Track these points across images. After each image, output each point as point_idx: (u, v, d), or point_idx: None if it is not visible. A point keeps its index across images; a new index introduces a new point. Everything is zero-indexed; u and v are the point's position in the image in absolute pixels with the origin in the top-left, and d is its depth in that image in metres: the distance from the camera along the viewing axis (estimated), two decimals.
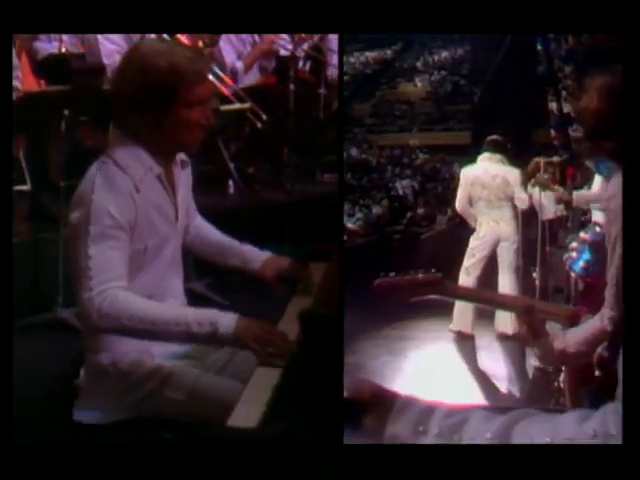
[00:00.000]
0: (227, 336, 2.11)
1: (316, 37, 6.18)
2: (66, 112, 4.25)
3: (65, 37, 5.21)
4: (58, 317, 4.17)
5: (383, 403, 1.22)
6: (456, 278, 5.73)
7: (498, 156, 5.82)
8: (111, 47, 4.94)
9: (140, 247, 2.27)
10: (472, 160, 6.06)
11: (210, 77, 2.37)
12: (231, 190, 5.52)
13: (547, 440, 1.07)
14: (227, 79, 5.37)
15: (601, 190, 5.02)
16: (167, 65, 2.18)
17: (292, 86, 5.47)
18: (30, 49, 5.23)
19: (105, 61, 4.89)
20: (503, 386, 4.91)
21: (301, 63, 6.21)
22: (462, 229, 6.44)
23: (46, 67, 5.05)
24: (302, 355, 1.95)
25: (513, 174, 5.74)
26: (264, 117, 5.20)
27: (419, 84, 16.38)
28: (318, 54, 6.21)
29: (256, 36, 5.88)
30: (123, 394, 2.32)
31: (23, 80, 4.68)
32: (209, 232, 2.70)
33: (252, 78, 5.92)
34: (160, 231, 2.34)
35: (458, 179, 6.16)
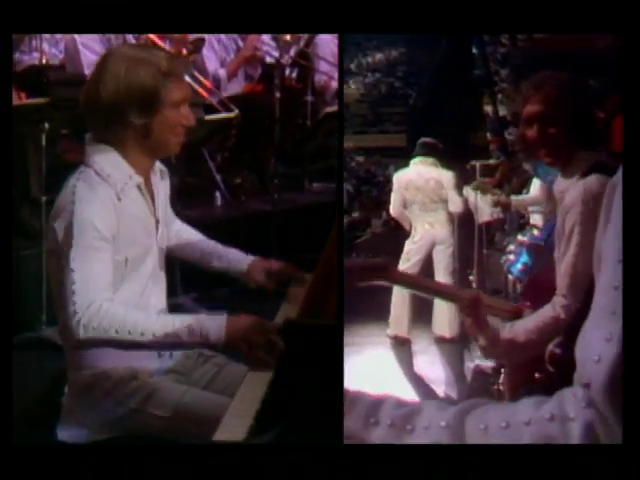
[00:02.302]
0: (218, 343, 2.07)
1: (302, 43, 6.12)
2: (46, 125, 4.16)
3: (46, 47, 5.13)
4: (42, 336, 4.07)
5: None
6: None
7: (431, 159, 5.85)
8: (92, 57, 4.85)
9: (121, 258, 2.21)
10: (408, 163, 6.09)
11: (186, 78, 2.30)
12: (218, 201, 5.47)
13: (503, 425, 1.06)
14: (210, 86, 5.30)
15: (539, 193, 5.10)
16: (149, 68, 2.16)
17: (278, 94, 5.39)
18: None
19: (86, 71, 4.79)
20: (441, 390, 4.91)
21: (288, 70, 6.14)
22: (398, 232, 6.46)
23: (26, 79, 4.94)
24: (287, 366, 1.93)
25: (446, 176, 5.79)
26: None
27: (353, 86, 16.30)
28: (304, 61, 6.14)
29: (240, 42, 5.80)
30: (106, 411, 2.26)
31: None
32: (191, 235, 2.66)
33: (237, 86, 5.85)
34: (140, 242, 2.28)
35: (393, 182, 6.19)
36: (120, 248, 2.19)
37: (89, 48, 4.91)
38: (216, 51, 5.72)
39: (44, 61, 5.03)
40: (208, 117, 4.87)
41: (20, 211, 4.49)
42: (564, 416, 1.04)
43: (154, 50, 2.26)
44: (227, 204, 5.51)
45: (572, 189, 2.26)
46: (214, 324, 2.08)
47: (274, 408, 1.87)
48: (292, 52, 6.01)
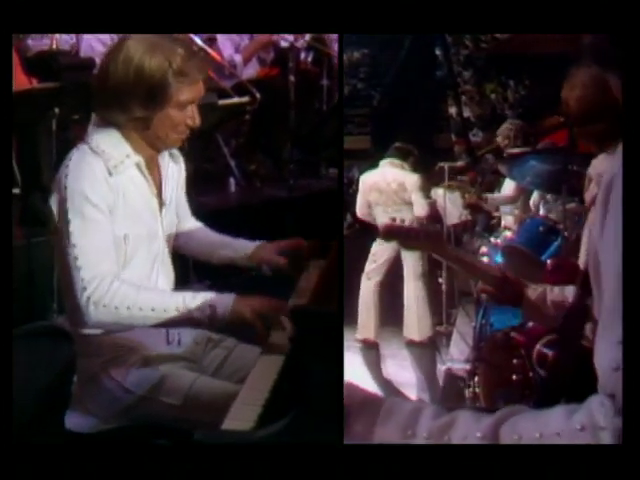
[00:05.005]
0: (225, 315, 2.07)
1: None
2: (57, 110, 4.09)
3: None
4: (54, 324, 4.02)
5: (370, 407, 1.21)
6: (358, 284, 5.82)
7: (398, 162, 5.81)
8: (94, 44, 4.80)
9: (120, 234, 2.17)
10: (372, 165, 6.03)
11: (201, 77, 2.23)
12: (232, 187, 5.43)
13: (536, 436, 1.07)
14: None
15: (513, 193, 5.13)
16: (162, 62, 2.11)
17: (292, 78, 5.31)
18: (21, 46, 5.07)
19: (82, 54, 4.76)
20: (413, 394, 4.81)
21: (303, 54, 6.06)
22: (362, 235, 6.42)
23: (37, 64, 4.88)
24: (297, 353, 1.90)
25: (411, 179, 5.73)
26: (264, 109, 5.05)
27: None
28: (320, 45, 6.05)
29: None
30: (115, 399, 2.24)
31: (14, 78, 4.52)
32: (203, 234, 2.62)
33: (252, 71, 5.77)
34: (142, 222, 2.24)
35: (357, 184, 6.14)
36: (119, 224, 2.16)
37: (96, 35, 4.87)
38: (231, 36, 5.64)
39: (55, 46, 4.95)
40: (222, 102, 4.79)
41: (30, 198, 4.43)
42: (595, 426, 1.04)
43: (174, 45, 2.18)
44: (242, 190, 5.48)
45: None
46: (222, 298, 2.09)
47: (283, 396, 1.86)
48: (308, 36, 5.92)
